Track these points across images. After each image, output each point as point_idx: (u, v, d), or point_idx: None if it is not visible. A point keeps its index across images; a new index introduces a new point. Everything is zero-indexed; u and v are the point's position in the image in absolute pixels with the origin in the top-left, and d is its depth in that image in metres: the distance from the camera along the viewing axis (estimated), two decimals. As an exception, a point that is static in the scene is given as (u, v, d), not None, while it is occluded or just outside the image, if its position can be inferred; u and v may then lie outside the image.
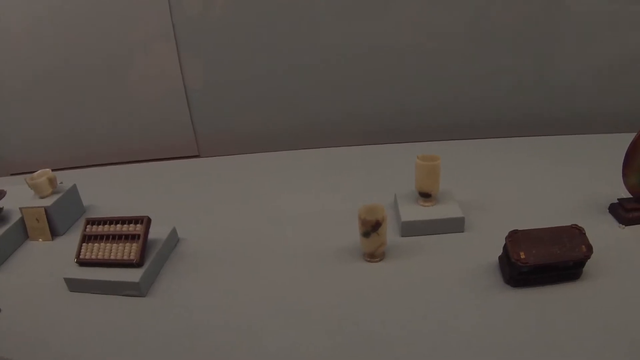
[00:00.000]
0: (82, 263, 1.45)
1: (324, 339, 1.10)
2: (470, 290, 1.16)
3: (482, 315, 1.09)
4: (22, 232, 1.76)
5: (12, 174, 2.52)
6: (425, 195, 1.46)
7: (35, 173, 1.76)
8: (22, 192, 1.80)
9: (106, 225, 1.50)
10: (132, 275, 1.36)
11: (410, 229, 1.37)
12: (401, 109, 2.01)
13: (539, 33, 1.90)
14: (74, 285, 1.42)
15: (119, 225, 1.49)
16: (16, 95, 2.36)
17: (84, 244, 1.49)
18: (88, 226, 1.51)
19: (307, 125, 2.13)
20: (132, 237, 1.45)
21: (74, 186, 1.81)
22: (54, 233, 1.73)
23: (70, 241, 1.69)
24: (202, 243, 1.52)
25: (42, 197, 1.75)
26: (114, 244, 1.46)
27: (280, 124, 2.15)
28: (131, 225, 1.48)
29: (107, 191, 1.95)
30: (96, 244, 1.47)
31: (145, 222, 1.46)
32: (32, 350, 1.24)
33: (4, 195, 1.74)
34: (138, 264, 1.38)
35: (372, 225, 1.23)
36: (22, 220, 1.75)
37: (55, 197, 1.74)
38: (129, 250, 1.42)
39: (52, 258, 1.63)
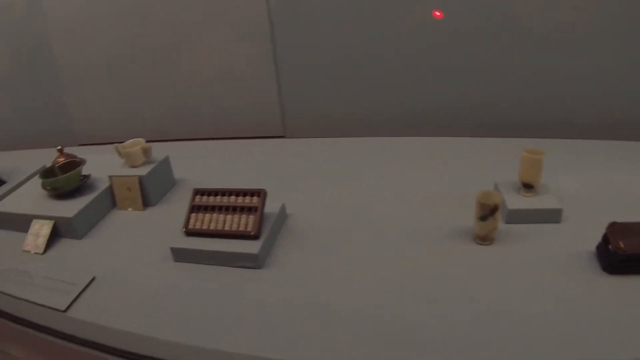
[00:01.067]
0: (191, 233, 1.46)
1: (442, 313, 1.13)
2: (571, 276, 1.21)
3: (581, 300, 1.14)
4: (110, 200, 1.78)
5: (80, 145, 2.51)
6: (528, 186, 1.54)
7: (127, 142, 1.78)
8: (104, 161, 1.84)
9: (217, 197, 1.51)
10: (250, 247, 1.36)
11: (515, 216, 1.44)
12: (503, 103, 2.00)
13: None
14: (181, 255, 1.44)
15: (232, 197, 1.49)
16: (98, 68, 2.42)
17: (192, 214, 1.48)
18: (197, 196, 1.52)
19: (401, 112, 2.12)
20: (247, 210, 1.45)
21: (167, 158, 1.83)
22: (146, 203, 1.75)
23: (162, 212, 1.73)
24: (309, 219, 1.54)
25: (132, 167, 1.76)
26: (228, 215, 1.46)
27: (373, 109, 2.15)
28: (246, 197, 1.48)
29: (193, 165, 1.96)
30: (207, 215, 1.48)
31: (262, 195, 1.47)
32: (133, 319, 1.27)
33: (84, 164, 1.76)
34: (255, 236, 1.39)
35: (490, 209, 1.30)
36: (109, 188, 1.76)
37: (148, 167, 1.75)
38: (245, 222, 1.42)
39: (146, 227, 1.66)
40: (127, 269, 1.46)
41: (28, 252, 1.65)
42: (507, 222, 1.41)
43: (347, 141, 2.07)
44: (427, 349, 1.04)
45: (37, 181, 1.89)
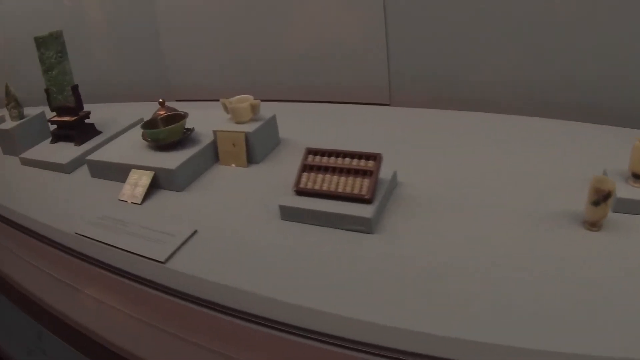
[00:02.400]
0: (301, 192, 1.38)
1: (545, 292, 1.03)
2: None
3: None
4: (212, 155, 1.73)
5: (177, 100, 2.49)
6: (638, 177, 1.42)
7: (233, 98, 1.71)
8: (206, 116, 1.80)
9: (332, 158, 1.43)
10: (363, 211, 1.28)
11: (623, 205, 1.30)
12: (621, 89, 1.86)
13: None
14: (289, 213, 1.36)
15: (347, 159, 1.41)
16: (200, 22, 2.40)
17: (304, 174, 1.40)
18: (310, 156, 1.44)
19: (511, 89, 1.96)
20: (362, 173, 1.37)
21: (274, 116, 1.75)
22: (250, 160, 1.68)
23: (266, 170, 1.67)
24: (418, 188, 1.44)
25: (238, 123, 1.69)
26: (342, 177, 1.38)
27: (483, 84, 2.00)
28: (361, 160, 1.40)
29: (296, 126, 1.89)
30: (320, 175, 1.40)
31: (379, 159, 1.38)
32: (236, 274, 1.21)
33: (187, 117, 1.73)
34: (369, 200, 1.30)
35: (604, 195, 1.21)
36: (213, 143, 1.71)
37: (255, 124, 1.69)
38: (359, 185, 1.34)
39: (250, 184, 1.60)
40: (231, 224, 1.40)
41: (125, 201, 1.60)
42: (615, 211, 1.28)
43: (453, 114, 1.94)
44: (524, 327, 0.95)
45: (135, 132, 1.88)
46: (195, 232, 1.39)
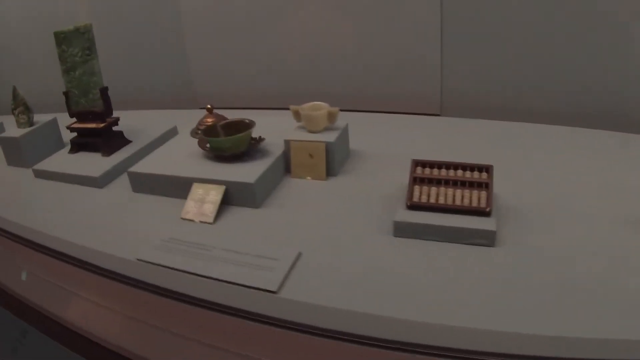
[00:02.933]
0: (415, 207, 1.28)
1: None
2: None
3: None
4: (283, 167, 1.59)
5: (201, 108, 2.30)
6: None
7: (306, 105, 1.58)
8: (268, 124, 1.66)
9: (442, 170, 1.35)
10: (485, 224, 1.20)
11: None
12: None
13: None
14: (405, 229, 1.25)
15: (459, 171, 1.35)
16: (229, 25, 2.25)
17: (415, 187, 1.31)
18: (418, 168, 1.35)
19: (573, 101, 1.90)
20: (477, 185, 1.31)
21: (347, 126, 1.62)
22: (328, 172, 1.54)
23: (348, 182, 1.54)
24: (516, 199, 1.36)
25: (311, 132, 1.56)
26: (457, 190, 1.30)
27: (541, 95, 1.94)
28: (474, 172, 1.34)
29: (357, 136, 1.74)
30: (433, 188, 1.31)
31: (491, 170, 1.33)
32: (353, 297, 1.09)
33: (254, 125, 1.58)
34: (488, 213, 1.24)
35: None
36: (283, 154, 1.57)
37: (334, 134, 1.56)
38: (476, 198, 1.27)
39: (337, 198, 1.47)
40: (336, 243, 1.26)
41: (190, 220, 1.41)
42: None
43: (512, 125, 1.87)
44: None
45: (182, 141, 1.74)
46: (299, 254, 1.23)
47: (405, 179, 1.36)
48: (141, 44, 2.47)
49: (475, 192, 1.29)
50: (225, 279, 1.18)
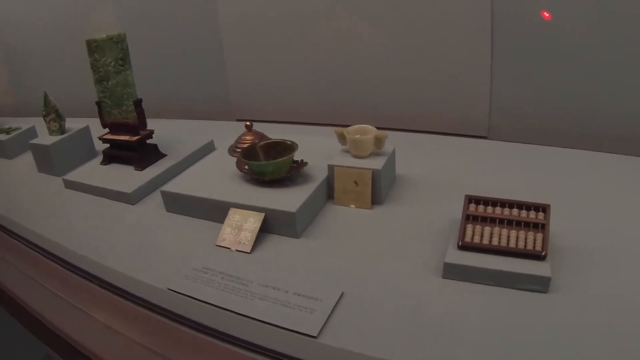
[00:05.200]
0: (467, 247, 1.24)
1: None
2: None
3: None
4: (325, 193, 1.57)
5: (238, 120, 2.32)
6: None
7: (351, 128, 1.54)
8: (306, 145, 1.63)
9: (496, 207, 1.32)
10: (540, 269, 1.17)
11: None
12: None
13: None
14: (455, 271, 1.22)
15: (514, 210, 1.31)
16: (264, 38, 2.23)
17: (468, 225, 1.28)
18: (471, 205, 1.32)
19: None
20: (533, 225, 1.27)
21: (394, 151, 1.58)
22: (374, 201, 1.51)
23: (394, 212, 1.51)
24: (571, 237, 1.32)
25: (356, 157, 1.53)
26: (511, 230, 1.26)
27: (595, 120, 1.88)
28: (530, 211, 1.30)
29: (402, 159, 1.71)
30: (486, 227, 1.28)
31: (548, 210, 1.28)
32: (405, 345, 1.06)
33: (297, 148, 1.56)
34: (544, 257, 1.20)
35: None
36: (326, 179, 1.55)
37: (380, 160, 1.52)
38: (532, 240, 1.23)
39: (381, 230, 1.43)
40: (380, 281, 1.24)
41: (226, 248, 1.41)
42: None
43: (563, 151, 1.81)
44: None
45: (218, 159, 1.73)
46: (342, 294, 1.20)
47: (454, 210, 1.34)
48: (178, 53, 2.48)
49: (530, 234, 1.25)
50: (262, 319, 1.16)
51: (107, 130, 1.84)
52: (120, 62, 1.72)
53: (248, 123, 1.74)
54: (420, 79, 2.05)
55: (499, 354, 1.01)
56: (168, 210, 1.61)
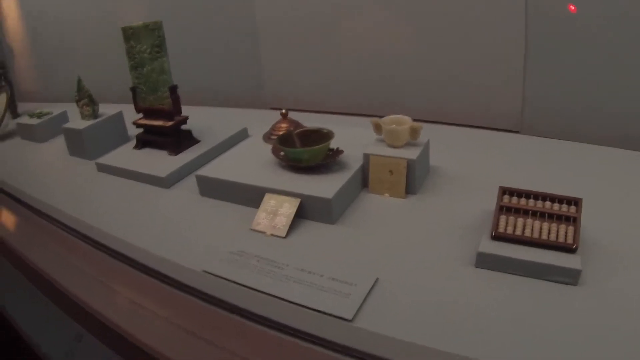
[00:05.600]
0: (499, 237, 1.27)
1: None
2: None
3: None
4: (360, 182, 1.60)
5: (272, 108, 2.36)
6: None
7: (386, 118, 1.57)
8: (343, 135, 1.66)
9: (530, 200, 1.35)
10: (570, 261, 1.20)
11: None
12: None
13: None
14: (488, 261, 1.25)
15: (547, 202, 1.34)
16: (300, 27, 2.25)
17: (502, 216, 1.31)
18: (505, 196, 1.35)
19: None
20: (565, 218, 1.30)
21: (428, 141, 1.61)
22: (408, 190, 1.55)
23: (428, 203, 1.54)
24: (604, 234, 1.34)
25: (391, 146, 1.56)
26: (543, 223, 1.29)
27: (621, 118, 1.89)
28: (562, 205, 1.33)
29: (436, 151, 1.74)
30: (519, 219, 1.30)
31: (580, 204, 1.31)
32: (434, 332, 1.09)
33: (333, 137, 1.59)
34: (574, 250, 1.23)
35: None
36: (361, 167, 1.58)
37: (415, 150, 1.54)
38: (563, 232, 1.26)
39: (414, 219, 1.47)
40: (413, 269, 1.27)
41: (261, 232, 1.44)
42: None
43: (595, 148, 1.83)
44: None
45: (253, 145, 1.76)
46: (376, 280, 1.24)
47: (486, 203, 1.38)
48: (215, 41, 2.53)
49: (562, 226, 1.27)
50: (297, 302, 1.19)
51: (141, 115, 1.87)
52: (156, 49, 1.76)
53: (283, 111, 1.77)
54: (454, 73, 2.08)
55: (529, 343, 1.03)
56: (202, 195, 1.66)
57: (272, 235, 1.44)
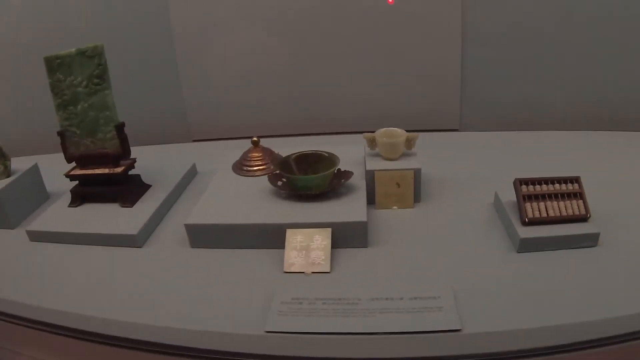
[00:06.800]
0: (531, 222, 1.46)
1: None
2: None
3: None
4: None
5: (194, 140, 2.23)
6: None
7: (378, 132, 1.63)
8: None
9: (542, 185, 1.55)
10: (589, 228, 1.45)
11: None
12: None
13: None
14: (529, 244, 1.43)
15: (556, 185, 1.55)
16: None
17: (527, 204, 1.50)
18: (523, 186, 1.53)
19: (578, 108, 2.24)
20: (573, 195, 1.54)
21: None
22: (415, 199, 1.62)
23: (436, 208, 1.63)
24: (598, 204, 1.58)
25: (388, 159, 1.63)
26: (560, 202, 1.51)
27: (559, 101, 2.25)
28: (567, 184, 1.56)
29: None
30: (541, 203, 1.50)
31: (580, 180, 1.55)
32: (520, 314, 1.21)
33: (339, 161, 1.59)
34: (587, 218, 1.49)
35: None
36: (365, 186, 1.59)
37: (413, 159, 1.63)
38: (576, 206, 1.51)
39: (439, 225, 1.55)
40: (471, 267, 1.36)
41: (299, 273, 1.38)
42: None
43: (533, 134, 2.19)
44: None
45: (228, 180, 1.68)
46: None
47: (484, 197, 1.63)
48: (127, 72, 2.20)
49: (573, 202, 1.51)
50: (400, 331, 1.16)
51: (73, 165, 1.57)
52: (96, 81, 1.49)
53: (255, 138, 1.67)
54: (392, 79, 2.21)
55: (593, 299, 1.23)
56: (193, 247, 1.48)
57: (313, 273, 1.36)
